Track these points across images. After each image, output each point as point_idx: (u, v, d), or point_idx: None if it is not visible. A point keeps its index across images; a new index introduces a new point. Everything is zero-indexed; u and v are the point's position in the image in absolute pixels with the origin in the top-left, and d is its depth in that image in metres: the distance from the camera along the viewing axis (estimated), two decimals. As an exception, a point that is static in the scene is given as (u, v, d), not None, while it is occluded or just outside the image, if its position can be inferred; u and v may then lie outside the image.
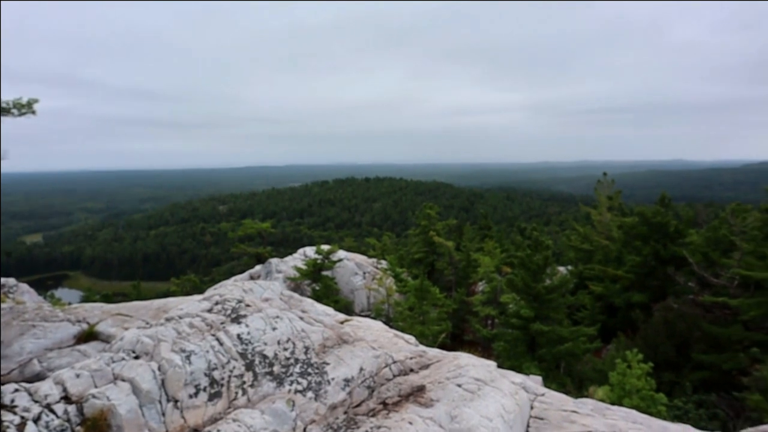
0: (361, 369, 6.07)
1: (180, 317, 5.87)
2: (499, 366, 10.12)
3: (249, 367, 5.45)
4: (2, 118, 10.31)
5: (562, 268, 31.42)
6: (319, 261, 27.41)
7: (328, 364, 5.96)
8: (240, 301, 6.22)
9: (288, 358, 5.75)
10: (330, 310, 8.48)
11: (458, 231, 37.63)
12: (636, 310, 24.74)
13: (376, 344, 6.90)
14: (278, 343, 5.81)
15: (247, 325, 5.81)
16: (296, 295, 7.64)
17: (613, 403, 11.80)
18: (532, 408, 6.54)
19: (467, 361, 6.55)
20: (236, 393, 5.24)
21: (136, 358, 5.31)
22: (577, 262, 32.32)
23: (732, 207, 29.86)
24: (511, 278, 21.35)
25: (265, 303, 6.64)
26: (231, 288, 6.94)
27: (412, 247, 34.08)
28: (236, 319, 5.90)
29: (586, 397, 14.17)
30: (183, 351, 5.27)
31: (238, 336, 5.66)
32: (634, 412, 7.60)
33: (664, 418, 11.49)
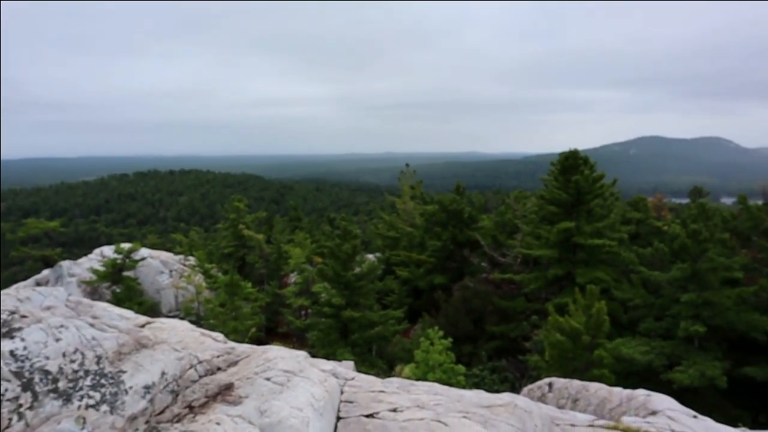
0: (163, 373, 5.70)
1: (-68, 338, 4.96)
2: (314, 355, 10.23)
3: (27, 386, 4.79)
4: None
5: (370, 256, 32.78)
6: (119, 261, 25.30)
7: (124, 372, 5.49)
8: (13, 313, 5.44)
9: (76, 371, 5.18)
10: (129, 313, 7.84)
11: (268, 223, 37.32)
12: (438, 291, 26.71)
13: (181, 345, 6.53)
14: (63, 355, 5.20)
15: (22, 339, 5.10)
16: (86, 300, 6.92)
17: (418, 379, 12.64)
18: (342, 393, 6.70)
19: (276, 354, 6.51)
20: (9, 419, 4.57)
21: None
22: (384, 249, 33.95)
23: (515, 194, 33.75)
24: (322, 268, 21.73)
25: (47, 312, 5.90)
26: (3, 299, 6.04)
27: (222, 241, 33.05)
28: (8, 334, 5.15)
29: (394, 376, 15.00)
30: (-64, 379, 4.46)
31: (12, 353, 4.94)
32: (436, 385, 8.15)
33: (463, 387, 12.60)
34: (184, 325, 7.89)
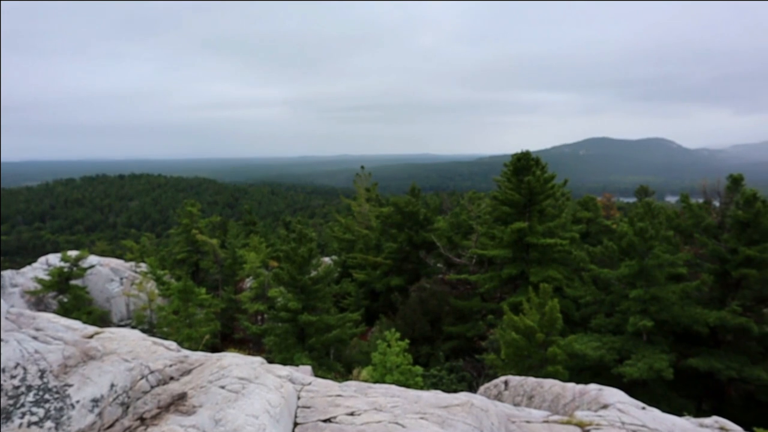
0: (113, 385, 5.52)
1: None
2: (271, 360, 10.09)
3: (-37, 404, 4.57)
4: None
5: (326, 259, 32.63)
6: (66, 269, 24.46)
7: (71, 385, 5.29)
8: (-51, 327, 5.18)
9: (17, 387, 4.96)
10: (76, 323, 7.56)
11: (222, 228, 36.74)
12: (395, 292, 26.78)
13: (131, 355, 6.34)
14: (3, 371, 4.98)
15: (-41, 355, 4.87)
16: (28, 312, 6.63)
17: (376, 382, 12.63)
18: (299, 398, 6.64)
19: (231, 361, 6.40)
20: (-55, 439, 4.35)
21: None
22: (340, 251, 33.86)
23: (469, 195, 34.20)
24: (278, 272, 21.49)
25: (-15, 325, 5.64)
26: (-63, 311, 5.73)
27: (174, 247, 32.33)
28: (-56, 349, 4.90)
29: (352, 379, 14.94)
30: None
31: (-53, 369, 4.71)
32: (393, 387, 8.13)
33: (421, 388, 12.66)
34: (135, 334, 7.66)
